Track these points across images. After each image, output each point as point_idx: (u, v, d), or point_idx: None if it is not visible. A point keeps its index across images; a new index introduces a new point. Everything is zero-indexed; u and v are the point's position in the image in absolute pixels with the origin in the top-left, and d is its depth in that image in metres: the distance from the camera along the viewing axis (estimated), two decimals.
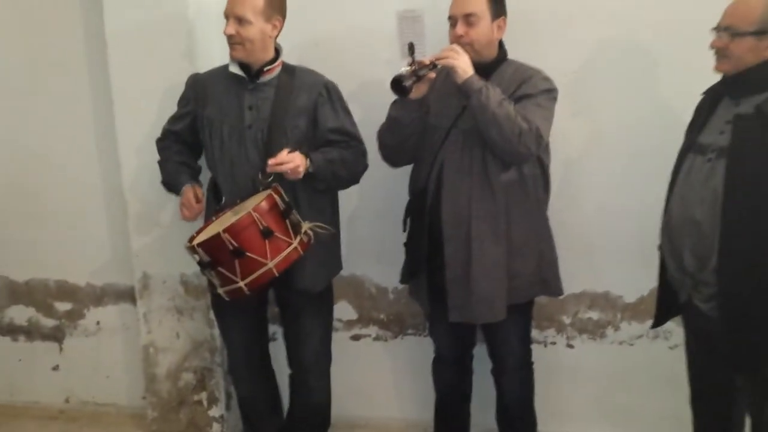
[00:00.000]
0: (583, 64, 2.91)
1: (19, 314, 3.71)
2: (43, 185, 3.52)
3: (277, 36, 2.67)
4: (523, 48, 2.71)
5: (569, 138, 2.91)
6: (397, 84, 2.45)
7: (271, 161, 2.48)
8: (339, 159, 2.63)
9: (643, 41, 2.85)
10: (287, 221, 2.47)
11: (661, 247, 2.42)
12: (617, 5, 2.84)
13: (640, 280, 2.94)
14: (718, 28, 2.18)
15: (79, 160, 3.46)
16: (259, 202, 2.42)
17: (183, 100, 2.81)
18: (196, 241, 2.48)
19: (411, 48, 2.60)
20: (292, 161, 2.48)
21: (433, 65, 2.51)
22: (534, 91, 2.56)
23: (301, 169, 2.51)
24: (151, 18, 3.02)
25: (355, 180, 2.76)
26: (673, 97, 2.79)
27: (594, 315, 3.12)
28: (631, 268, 2.96)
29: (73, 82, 3.38)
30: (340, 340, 3.24)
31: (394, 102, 2.63)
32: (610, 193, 2.98)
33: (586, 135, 2.98)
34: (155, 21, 3.02)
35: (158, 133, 2.89)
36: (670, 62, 2.81)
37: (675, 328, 2.84)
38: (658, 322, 2.53)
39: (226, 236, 2.36)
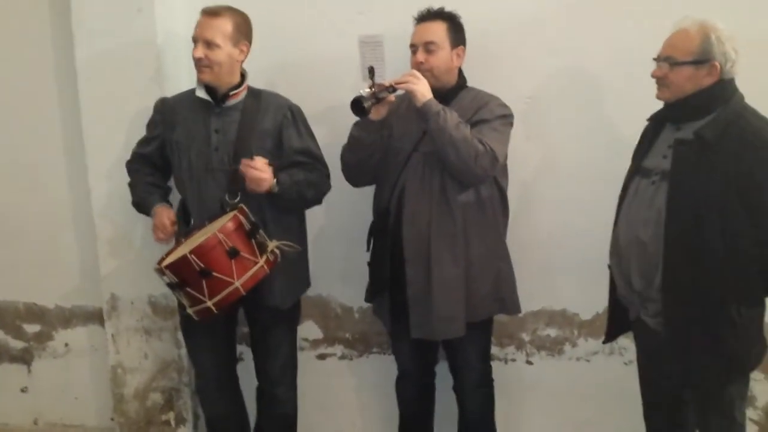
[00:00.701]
0: (537, 90, 3.03)
1: None
2: (14, 207, 3.55)
3: (243, 60, 2.76)
4: (480, 74, 2.84)
5: (524, 161, 3.02)
6: (357, 104, 2.55)
7: (245, 160, 2.56)
8: (304, 180, 2.72)
9: (592, 70, 2.98)
10: (253, 240, 2.54)
11: (610, 266, 2.53)
12: (568, 36, 2.96)
13: (595, 297, 3.01)
14: (658, 58, 2.31)
15: (50, 182, 3.50)
16: (224, 222, 2.50)
17: (151, 124, 2.89)
18: (164, 263, 2.54)
19: (371, 71, 2.71)
20: (262, 170, 2.57)
21: (392, 88, 2.63)
22: (490, 116, 2.68)
23: (266, 185, 2.59)
24: (120, 45, 3.09)
25: (318, 201, 2.85)
26: (621, 123, 2.91)
27: (552, 332, 3.22)
28: (586, 286, 3.05)
29: (44, 106, 3.43)
30: (306, 359, 3.31)
31: (356, 122, 2.72)
32: (564, 214, 3.08)
33: (540, 158, 3.09)
34: (125, 48, 3.09)
35: (128, 156, 2.95)
36: (618, 89, 2.94)
37: (630, 345, 2.92)
38: (609, 337, 2.64)
39: (192, 257, 2.43)
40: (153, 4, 3.05)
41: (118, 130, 3.11)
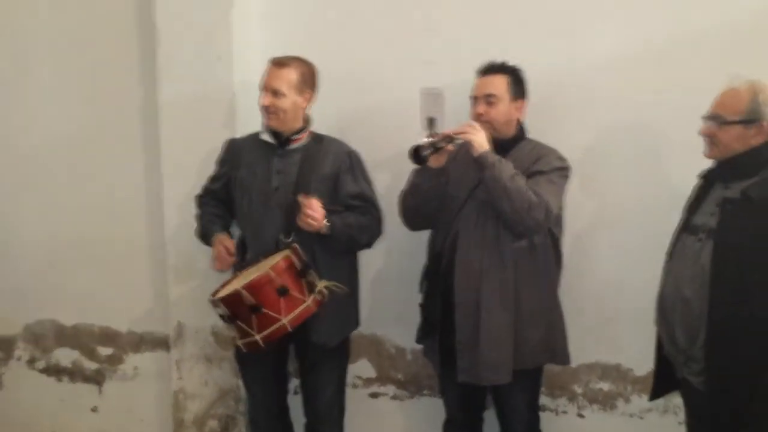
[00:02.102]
0: (594, 142, 3.05)
1: (65, 356, 3.91)
2: (94, 235, 3.75)
3: (307, 107, 2.90)
4: (539, 125, 2.89)
5: (580, 212, 3.04)
6: (415, 153, 2.63)
7: (303, 197, 2.67)
8: (356, 224, 2.82)
9: (650, 124, 2.98)
10: (303, 280, 2.64)
11: (656, 323, 2.51)
12: (628, 89, 2.98)
13: (650, 353, 2.96)
14: (707, 117, 2.31)
15: (128, 212, 3.70)
16: (277, 261, 2.61)
17: (220, 162, 3.06)
18: (218, 295, 2.67)
19: (431, 122, 2.79)
20: (316, 212, 2.67)
21: (450, 139, 2.70)
22: (547, 168, 2.71)
23: (317, 226, 2.69)
24: (199, 89, 3.29)
25: (368, 244, 2.93)
26: (678, 177, 2.83)
27: (605, 386, 3.18)
28: (641, 341, 2.97)
29: (128, 141, 3.65)
30: (359, 397, 3.38)
31: (416, 170, 2.81)
32: (619, 267, 3.07)
33: (595, 210, 3.09)
34: (203, 91, 3.29)
35: (199, 191, 3.13)
36: (675, 144, 2.92)
37: None
38: (655, 395, 2.60)
39: (244, 292, 2.55)
40: (231, 54, 3.25)
41: (192, 166, 3.29)
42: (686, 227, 2.41)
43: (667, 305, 2.39)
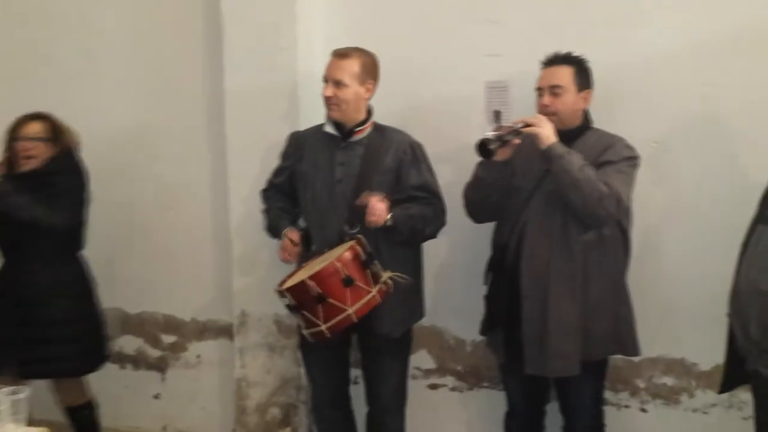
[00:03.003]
0: (665, 134, 3.01)
1: (129, 344, 4.00)
2: (159, 225, 3.84)
3: (369, 98, 2.91)
4: (607, 117, 2.86)
5: (650, 204, 3.00)
6: (482, 147, 2.63)
7: (362, 197, 2.70)
8: (419, 215, 2.82)
9: (723, 114, 2.93)
10: (368, 270, 2.65)
11: (729, 315, 2.47)
12: (699, 80, 2.94)
13: (716, 348, 2.90)
14: None
15: (193, 203, 3.77)
16: (342, 252, 2.63)
17: (284, 155, 3.09)
18: (284, 286, 2.71)
19: (497, 115, 2.80)
20: (378, 205, 2.70)
21: (517, 132, 2.69)
22: (616, 157, 2.68)
23: (382, 220, 2.71)
24: (264, 80, 3.33)
25: (432, 235, 2.93)
26: (752, 169, 2.83)
27: (669, 381, 3.14)
28: (707, 335, 2.94)
29: (194, 132, 3.72)
30: (418, 388, 3.38)
31: (480, 162, 2.80)
32: (688, 260, 3.03)
33: (666, 202, 3.05)
34: (267, 84, 3.33)
35: (262, 183, 3.15)
36: (749, 135, 2.87)
37: (749, 399, 2.80)
38: (724, 388, 2.56)
39: (311, 283, 2.58)
40: (295, 44, 3.29)
41: (257, 157, 3.35)
42: (762, 218, 2.36)
43: (742, 297, 2.34)
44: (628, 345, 2.82)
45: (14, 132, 3.22)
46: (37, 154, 3.21)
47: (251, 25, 3.32)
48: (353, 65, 2.82)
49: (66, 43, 3.86)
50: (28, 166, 3.21)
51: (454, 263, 3.37)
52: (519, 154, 2.81)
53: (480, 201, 2.87)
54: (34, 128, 3.22)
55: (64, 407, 3.42)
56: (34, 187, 3.14)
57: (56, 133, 3.25)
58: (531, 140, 2.72)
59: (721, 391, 2.59)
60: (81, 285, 3.36)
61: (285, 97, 3.32)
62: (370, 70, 2.87)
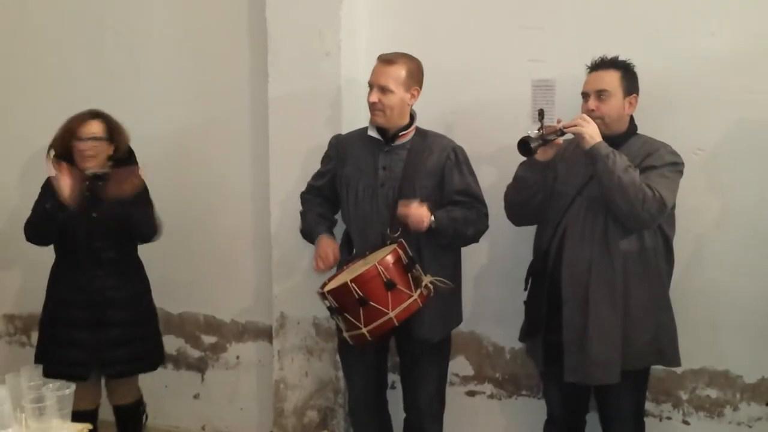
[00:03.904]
0: (714, 142, 2.97)
1: (170, 344, 4.00)
2: (202, 227, 3.89)
3: (413, 104, 2.91)
4: (652, 123, 2.83)
5: (701, 213, 2.99)
6: (524, 144, 2.63)
7: (401, 206, 2.71)
8: (461, 218, 2.82)
9: None
10: (409, 274, 2.66)
11: None
12: (745, 88, 2.91)
13: (762, 360, 2.91)
14: None
15: (235, 205, 3.81)
16: (384, 255, 2.64)
17: (326, 159, 3.10)
18: (326, 288, 2.72)
19: (541, 114, 2.77)
20: (418, 212, 2.70)
21: (561, 131, 2.68)
22: (659, 163, 2.67)
23: (425, 223, 2.72)
24: (307, 86, 3.35)
25: (475, 239, 2.93)
26: None
27: (712, 393, 3.10)
28: (753, 348, 2.94)
29: (237, 135, 3.75)
30: (455, 395, 3.38)
31: (522, 162, 2.80)
32: (736, 272, 2.99)
33: (717, 212, 3.02)
34: (311, 89, 3.35)
35: (303, 187, 3.18)
36: None
37: None
38: None
39: (353, 285, 2.59)
40: (340, 50, 3.30)
41: (298, 161, 3.37)
42: None
43: None
44: (669, 355, 2.78)
45: (73, 131, 3.16)
46: (97, 153, 3.17)
47: (296, 31, 3.35)
48: (399, 71, 2.82)
49: (113, 45, 3.93)
50: (89, 165, 3.16)
51: (494, 269, 3.37)
52: (562, 159, 2.81)
53: (521, 202, 2.87)
54: (95, 127, 3.18)
55: (113, 405, 3.46)
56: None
57: (113, 132, 3.24)
58: (575, 146, 2.71)
59: None
60: (143, 286, 3.41)
61: (328, 102, 3.34)
62: (416, 76, 2.88)
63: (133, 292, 3.31)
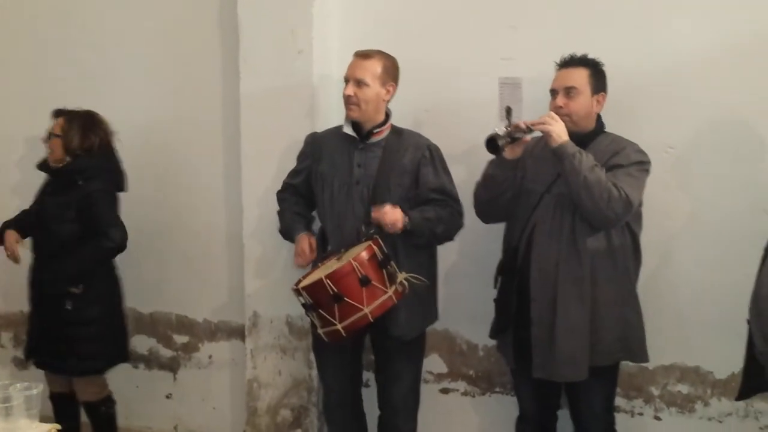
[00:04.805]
0: (680, 140, 3.00)
1: (141, 343, 4.00)
2: (173, 225, 3.85)
3: (389, 100, 2.92)
4: (621, 122, 2.84)
5: (671, 211, 3.01)
6: (491, 142, 2.63)
7: (374, 212, 2.71)
8: (435, 217, 2.82)
9: (743, 123, 2.92)
10: (384, 271, 2.66)
11: (749, 321, 2.45)
12: (714, 86, 2.93)
13: (731, 356, 2.89)
14: None
15: (208, 206, 3.78)
16: (359, 252, 2.64)
17: (301, 156, 3.10)
18: (301, 285, 2.71)
19: (508, 111, 2.78)
20: (392, 215, 2.71)
21: (528, 129, 2.69)
22: (626, 161, 2.68)
23: (399, 225, 2.73)
24: (280, 83, 3.34)
25: (449, 237, 2.94)
26: None
27: (684, 388, 3.13)
28: (723, 343, 2.94)
29: (209, 133, 3.72)
30: (429, 392, 3.38)
31: (491, 160, 2.81)
32: (706, 268, 3.02)
33: (687, 209, 3.04)
34: (283, 86, 3.33)
35: (278, 185, 3.16)
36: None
37: (766, 408, 2.82)
38: (742, 395, 2.54)
39: (327, 282, 2.58)
40: (312, 47, 3.29)
41: (272, 159, 3.35)
42: None
43: (762, 303, 2.33)
44: (637, 351, 2.81)
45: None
46: (53, 148, 3.34)
47: (268, 29, 3.33)
48: (376, 66, 2.83)
49: (83, 44, 3.88)
50: (49, 158, 3.37)
51: (467, 267, 3.37)
52: (531, 157, 2.82)
53: (489, 200, 2.87)
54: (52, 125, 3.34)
55: (82, 402, 3.46)
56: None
57: (67, 128, 3.33)
58: (543, 143, 2.72)
59: (739, 398, 2.58)
60: (110, 283, 3.42)
61: (301, 100, 3.33)
62: (392, 72, 2.89)
63: (95, 289, 3.32)
